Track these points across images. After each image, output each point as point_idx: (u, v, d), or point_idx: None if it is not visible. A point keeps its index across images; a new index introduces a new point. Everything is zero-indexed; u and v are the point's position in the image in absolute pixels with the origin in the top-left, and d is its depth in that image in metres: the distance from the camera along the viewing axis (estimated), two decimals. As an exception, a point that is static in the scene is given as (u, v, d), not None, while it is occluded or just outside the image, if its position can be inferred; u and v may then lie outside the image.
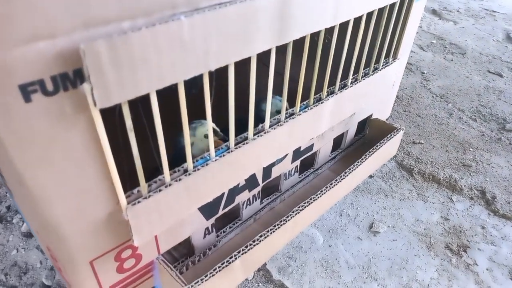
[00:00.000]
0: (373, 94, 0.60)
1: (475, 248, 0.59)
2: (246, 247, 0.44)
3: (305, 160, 0.62)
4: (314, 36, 0.43)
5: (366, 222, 0.63)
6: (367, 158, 0.59)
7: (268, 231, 0.46)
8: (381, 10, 0.51)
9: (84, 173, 0.30)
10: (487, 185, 0.70)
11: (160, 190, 0.37)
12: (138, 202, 0.35)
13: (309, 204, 0.50)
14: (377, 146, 0.61)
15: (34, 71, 0.24)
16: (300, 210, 0.49)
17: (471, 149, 0.79)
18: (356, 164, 0.58)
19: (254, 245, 0.45)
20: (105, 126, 0.30)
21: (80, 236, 0.34)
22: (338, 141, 0.66)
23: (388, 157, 0.68)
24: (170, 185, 0.37)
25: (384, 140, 0.63)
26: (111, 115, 0.31)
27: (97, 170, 0.31)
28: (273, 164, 0.52)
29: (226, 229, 0.53)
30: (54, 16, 0.24)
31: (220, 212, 0.48)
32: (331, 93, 0.52)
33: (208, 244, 0.50)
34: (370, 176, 0.72)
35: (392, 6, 0.52)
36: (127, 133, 0.31)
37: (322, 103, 0.50)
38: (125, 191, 0.35)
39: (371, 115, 0.68)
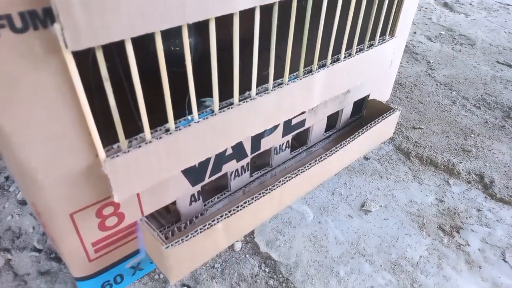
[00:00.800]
0: (369, 71, 0.59)
1: (468, 229, 0.57)
2: (230, 212, 0.44)
3: (298, 137, 0.62)
4: (301, 1, 0.43)
5: (358, 201, 0.62)
6: (359, 135, 0.58)
7: (252, 198, 0.46)
8: (374, -18, 0.50)
9: (56, 117, 0.31)
10: (486, 170, 0.68)
11: (139, 146, 0.37)
12: (117, 156, 0.36)
13: (296, 175, 0.50)
14: (371, 124, 0.60)
15: (1, 4, 0.25)
16: (287, 180, 0.49)
17: (472, 135, 0.78)
18: (348, 140, 0.57)
19: (238, 210, 0.45)
20: (84, 81, 0.30)
21: (57, 186, 0.34)
22: (333, 121, 0.66)
23: (384, 137, 0.67)
24: (150, 142, 0.37)
25: (379, 119, 0.62)
26: (93, 71, 0.32)
27: (71, 116, 0.32)
28: (262, 136, 0.51)
29: (214, 199, 0.53)
30: (23, -51, 0.24)
31: (207, 179, 0.48)
32: (322, 66, 0.51)
33: (194, 212, 0.50)
34: (366, 158, 0.71)
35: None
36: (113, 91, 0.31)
37: (312, 74, 0.50)
38: (104, 146, 0.36)
39: (368, 95, 0.67)
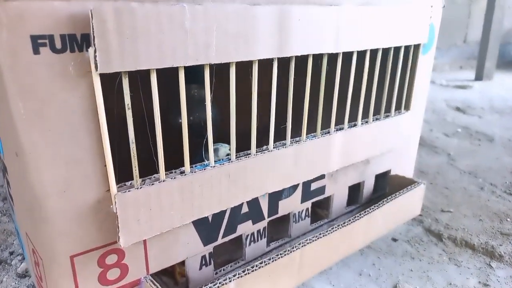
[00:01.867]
0: (387, 142, 0.59)
1: (524, 316, 0.49)
2: (244, 271, 0.40)
3: (319, 207, 0.59)
4: (318, 60, 0.46)
5: (390, 283, 0.55)
6: (384, 204, 0.55)
7: (270, 259, 0.42)
8: (385, 54, 0.54)
9: (77, 141, 0.31)
10: (531, 253, 0.61)
11: (152, 184, 0.36)
12: (129, 191, 0.34)
13: (318, 238, 0.46)
14: (395, 195, 0.57)
15: (46, 25, 0.28)
16: (307, 243, 0.45)
17: (508, 219, 0.72)
18: (372, 208, 0.54)
19: (253, 271, 0.40)
20: (109, 113, 0.31)
21: (63, 218, 0.32)
22: (355, 196, 0.63)
23: (411, 214, 0.63)
24: (164, 181, 0.36)
25: (403, 190, 0.59)
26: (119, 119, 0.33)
27: (91, 142, 0.32)
28: (279, 197, 0.49)
29: (226, 267, 0.48)
30: (72, -19, 0.28)
31: (220, 240, 0.45)
32: (339, 129, 0.52)
33: (204, 280, 0.45)
34: (394, 240, 0.65)
35: (397, 51, 0.55)
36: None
37: (329, 134, 0.50)
38: (118, 183, 0.35)
39: (390, 171, 0.66)
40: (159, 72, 0.33)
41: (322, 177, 0.53)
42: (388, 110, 0.59)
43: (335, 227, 0.48)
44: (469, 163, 1.00)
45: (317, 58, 0.46)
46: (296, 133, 0.48)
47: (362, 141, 0.55)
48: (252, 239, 0.49)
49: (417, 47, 0.58)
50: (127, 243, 0.35)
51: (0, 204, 0.77)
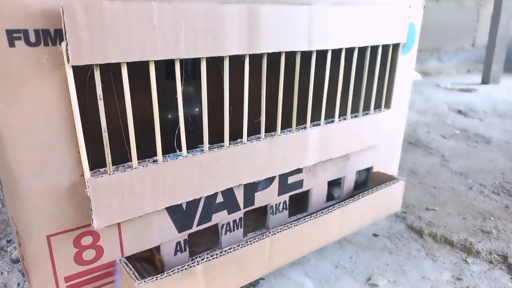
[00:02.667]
0: (366, 139, 0.61)
1: (492, 309, 0.50)
2: (212, 256, 0.42)
3: (297, 201, 0.60)
4: (291, 57, 0.48)
5: (364, 275, 0.56)
6: (359, 198, 0.56)
7: (238, 245, 0.44)
8: (363, 53, 0.55)
9: (51, 127, 0.34)
10: (510, 251, 0.62)
11: (124, 171, 0.38)
12: (101, 176, 0.37)
13: (289, 228, 0.48)
14: (372, 190, 0.59)
15: (20, 20, 0.30)
16: (277, 232, 0.47)
17: (492, 218, 0.73)
18: (347, 202, 0.55)
19: (222, 255, 0.42)
20: (83, 102, 0.34)
21: (40, 199, 0.35)
22: (336, 192, 0.65)
23: (390, 209, 0.64)
24: (135, 168, 0.39)
25: (381, 186, 0.60)
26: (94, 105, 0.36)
27: (65, 129, 0.34)
28: (255, 189, 0.51)
29: (202, 255, 0.50)
30: (45, -20, 0.31)
31: (195, 227, 0.47)
32: (316, 125, 0.54)
33: (179, 265, 0.48)
34: (375, 235, 0.67)
35: (375, 50, 0.57)
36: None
37: (305, 129, 0.52)
38: (92, 169, 0.37)
39: (371, 168, 0.67)
40: (140, 64, 0.35)
41: (299, 171, 0.55)
42: (367, 107, 0.60)
43: (307, 218, 0.50)
44: (462, 164, 1.01)
45: (291, 55, 0.48)
46: (272, 130, 0.50)
47: (340, 137, 0.57)
48: (228, 228, 0.51)
49: (396, 46, 0.59)
50: (100, 226, 0.38)
51: (1, 195, 0.81)
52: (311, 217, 0.51)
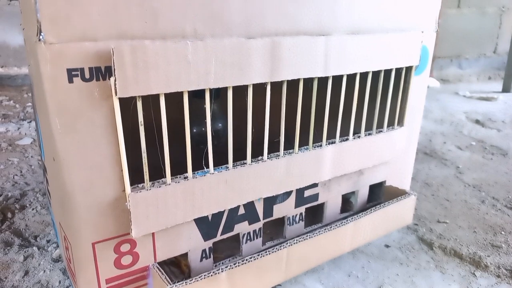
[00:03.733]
0: (380, 155, 0.64)
1: (496, 321, 0.52)
2: (235, 264, 0.47)
3: (313, 213, 0.65)
4: (308, 83, 0.52)
5: (375, 284, 0.60)
6: (372, 212, 0.60)
7: (258, 255, 0.48)
8: (377, 75, 0.59)
9: (99, 150, 0.39)
10: (518, 265, 0.64)
11: (160, 187, 0.43)
12: (140, 192, 0.42)
13: (305, 240, 0.52)
14: (384, 204, 0.62)
15: (78, 61, 0.36)
16: (294, 243, 0.51)
17: (503, 232, 0.75)
18: (360, 215, 0.59)
19: (243, 264, 0.47)
20: (128, 130, 0.39)
21: (88, 211, 0.41)
22: (350, 204, 0.69)
23: (402, 222, 0.68)
24: (169, 184, 0.44)
25: (393, 200, 0.64)
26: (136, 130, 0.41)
27: (111, 151, 0.40)
28: (274, 201, 0.56)
29: (225, 261, 0.55)
30: (99, 26, 0.36)
31: (219, 236, 0.52)
32: (331, 143, 0.58)
33: (204, 270, 0.52)
34: (387, 246, 0.70)
35: (389, 73, 0.60)
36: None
37: (321, 148, 0.56)
38: (132, 184, 0.43)
39: (385, 182, 0.71)
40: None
41: (315, 185, 0.59)
42: (381, 125, 0.64)
43: (322, 231, 0.54)
44: (476, 176, 1.03)
45: (309, 80, 0.52)
46: (291, 147, 0.54)
47: (354, 153, 0.61)
48: (248, 237, 0.56)
49: (409, 69, 0.63)
50: (138, 235, 0.43)
51: (40, 199, 0.88)
52: (325, 229, 0.55)
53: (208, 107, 0.44)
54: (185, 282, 0.43)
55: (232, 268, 0.46)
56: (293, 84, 0.52)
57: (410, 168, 0.75)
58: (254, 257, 0.48)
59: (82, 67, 0.36)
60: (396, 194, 0.68)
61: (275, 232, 0.62)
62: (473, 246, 0.70)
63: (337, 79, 0.55)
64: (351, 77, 0.56)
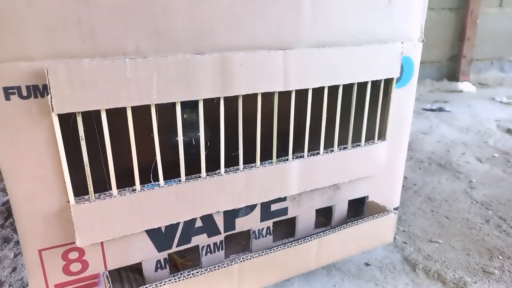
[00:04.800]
0: (357, 170, 0.62)
1: None
2: (179, 276, 0.47)
3: (287, 227, 0.63)
4: (269, 96, 0.51)
5: (343, 305, 0.58)
6: (341, 229, 0.58)
7: (206, 269, 0.48)
8: (350, 89, 0.57)
9: (43, 163, 0.41)
10: (507, 296, 0.59)
11: (104, 199, 0.44)
12: (83, 203, 0.43)
13: (259, 256, 0.51)
14: (357, 222, 0.60)
15: (14, 80, 0.37)
16: (247, 259, 0.50)
17: (500, 256, 0.69)
18: (326, 232, 0.57)
19: (188, 277, 0.47)
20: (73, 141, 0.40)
21: (33, 220, 0.42)
22: (327, 218, 0.67)
23: (379, 241, 0.64)
24: (114, 197, 0.45)
25: (368, 218, 0.61)
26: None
27: (53, 164, 0.41)
28: (235, 215, 0.55)
29: (183, 272, 0.55)
30: (34, 47, 0.37)
31: (174, 248, 0.52)
32: (299, 157, 0.56)
33: (159, 280, 0.53)
34: (367, 264, 0.67)
35: (364, 86, 0.58)
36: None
37: (286, 162, 0.55)
38: (77, 196, 0.44)
39: (367, 197, 0.68)
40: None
41: (283, 199, 0.58)
42: (358, 139, 0.61)
43: (280, 247, 0.53)
44: (488, 193, 0.95)
45: (269, 95, 0.51)
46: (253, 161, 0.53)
47: (325, 168, 0.59)
48: (208, 250, 0.56)
49: (389, 81, 0.60)
50: (83, 244, 0.44)
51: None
52: (285, 245, 0.53)
53: (154, 121, 0.45)
54: (126, 293, 0.44)
55: (176, 281, 0.46)
56: (266, 98, 0.51)
57: (399, 184, 0.71)
58: (201, 271, 0.48)
59: (19, 85, 0.38)
60: (377, 211, 0.65)
61: (247, 244, 0.61)
62: (461, 270, 0.65)
63: (305, 94, 0.53)
64: (320, 91, 0.54)
